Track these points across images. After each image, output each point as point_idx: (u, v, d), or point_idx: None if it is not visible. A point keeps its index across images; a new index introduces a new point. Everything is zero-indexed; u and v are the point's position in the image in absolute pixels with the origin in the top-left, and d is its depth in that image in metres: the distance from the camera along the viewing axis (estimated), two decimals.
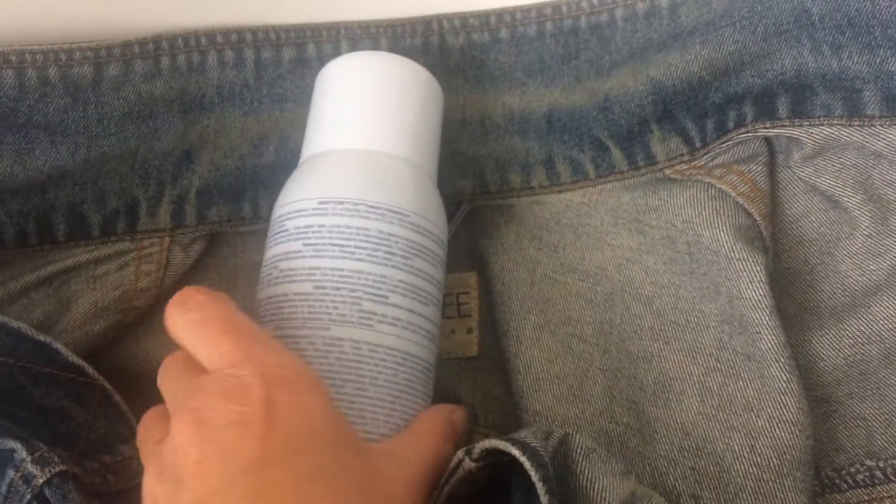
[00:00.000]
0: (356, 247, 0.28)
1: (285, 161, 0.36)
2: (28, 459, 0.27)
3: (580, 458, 0.25)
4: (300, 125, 0.37)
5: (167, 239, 0.35)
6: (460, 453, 0.25)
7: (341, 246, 0.29)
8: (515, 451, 0.24)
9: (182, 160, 0.35)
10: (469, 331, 0.36)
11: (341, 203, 0.29)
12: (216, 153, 0.36)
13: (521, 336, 0.33)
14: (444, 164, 0.38)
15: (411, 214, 0.30)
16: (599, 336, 0.32)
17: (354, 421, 0.27)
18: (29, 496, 0.27)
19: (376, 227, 0.29)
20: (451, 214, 0.37)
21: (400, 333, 0.28)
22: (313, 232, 0.29)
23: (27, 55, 0.32)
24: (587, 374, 0.32)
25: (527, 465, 0.23)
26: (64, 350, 0.30)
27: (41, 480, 0.27)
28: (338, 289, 0.28)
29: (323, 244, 0.29)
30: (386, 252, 0.29)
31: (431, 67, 0.39)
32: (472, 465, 0.25)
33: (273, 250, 0.30)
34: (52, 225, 0.34)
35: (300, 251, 0.29)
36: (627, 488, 0.25)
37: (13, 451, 0.27)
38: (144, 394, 0.32)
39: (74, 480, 0.28)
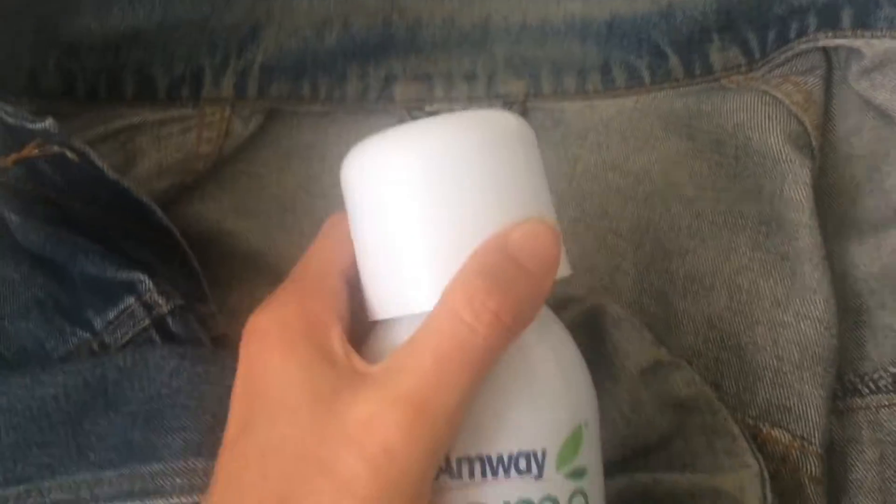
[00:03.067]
0: None
1: (346, 47, 0.37)
2: (154, 290, 0.29)
3: (610, 326, 0.26)
4: (364, 13, 0.38)
5: (228, 109, 0.37)
6: None
7: None
8: None
9: (249, 34, 0.37)
10: None
11: None
12: (281, 32, 0.37)
13: (559, 229, 0.34)
14: (500, 65, 0.38)
15: None
16: (635, 232, 0.33)
17: None
18: (146, 322, 0.29)
19: None
20: None
21: None
22: None
23: None
24: (619, 267, 0.32)
25: None
26: (159, 212, 0.32)
27: (165, 309, 0.29)
28: None
29: None
30: None
31: None
32: None
33: None
34: (121, 83, 0.36)
35: None
36: (652, 356, 0.26)
37: (140, 281, 0.29)
38: (196, 255, 0.34)
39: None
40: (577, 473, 0.21)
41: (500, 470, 0.20)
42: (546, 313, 0.22)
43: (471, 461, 0.20)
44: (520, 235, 0.21)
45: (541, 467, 0.20)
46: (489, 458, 0.20)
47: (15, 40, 0.34)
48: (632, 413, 0.27)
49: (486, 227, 0.21)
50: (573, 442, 0.21)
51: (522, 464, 0.20)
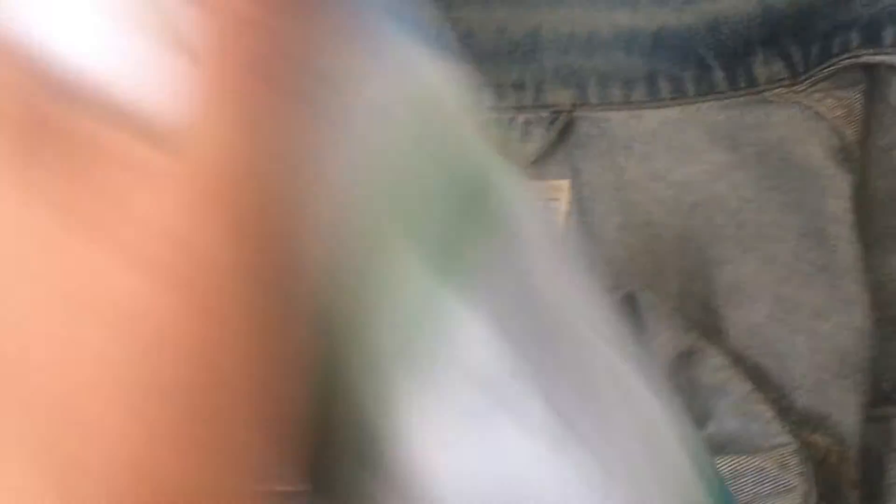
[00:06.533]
0: None
1: None
2: None
3: (646, 312, 0.27)
4: None
5: None
6: None
7: None
8: None
9: None
10: None
11: None
12: None
13: (604, 236, 0.35)
14: (548, 75, 0.40)
15: None
16: (679, 240, 0.34)
17: None
18: None
19: None
20: (549, 123, 0.39)
21: None
22: None
23: None
24: (663, 273, 0.34)
25: None
26: None
27: None
28: None
29: None
30: None
31: None
32: None
33: None
34: None
35: None
36: (687, 342, 0.27)
37: None
38: None
39: None
40: None
41: None
42: None
43: None
44: None
45: None
46: None
47: None
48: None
49: None
50: None
51: None
